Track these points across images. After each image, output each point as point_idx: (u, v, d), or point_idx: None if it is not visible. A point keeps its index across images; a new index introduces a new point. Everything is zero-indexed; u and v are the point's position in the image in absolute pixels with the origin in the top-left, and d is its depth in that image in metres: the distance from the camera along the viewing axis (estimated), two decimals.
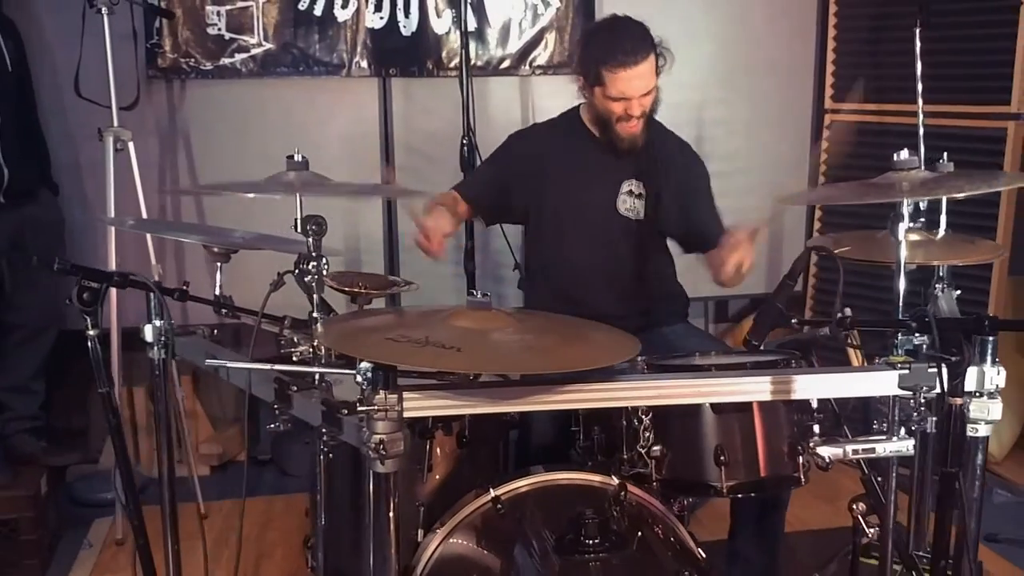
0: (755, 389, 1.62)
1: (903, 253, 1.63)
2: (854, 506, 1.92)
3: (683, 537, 1.89)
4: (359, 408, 1.50)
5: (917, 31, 3.30)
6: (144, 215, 3.16)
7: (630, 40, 2.45)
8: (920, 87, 3.31)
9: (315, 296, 1.78)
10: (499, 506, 1.82)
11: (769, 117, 3.99)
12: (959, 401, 1.38)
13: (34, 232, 3.13)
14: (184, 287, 1.89)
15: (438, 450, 2.03)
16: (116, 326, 3.06)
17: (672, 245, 2.79)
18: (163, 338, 2.03)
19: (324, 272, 1.78)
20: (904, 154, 1.66)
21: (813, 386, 1.65)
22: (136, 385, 3.67)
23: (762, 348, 1.71)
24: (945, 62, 3.44)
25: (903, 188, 1.63)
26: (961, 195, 1.62)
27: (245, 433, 1.98)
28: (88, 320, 1.73)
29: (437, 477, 2.03)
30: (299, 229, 1.76)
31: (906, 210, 1.63)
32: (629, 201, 2.63)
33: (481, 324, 1.60)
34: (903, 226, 1.64)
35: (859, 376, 1.65)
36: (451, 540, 1.85)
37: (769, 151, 3.99)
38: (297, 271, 1.79)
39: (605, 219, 2.63)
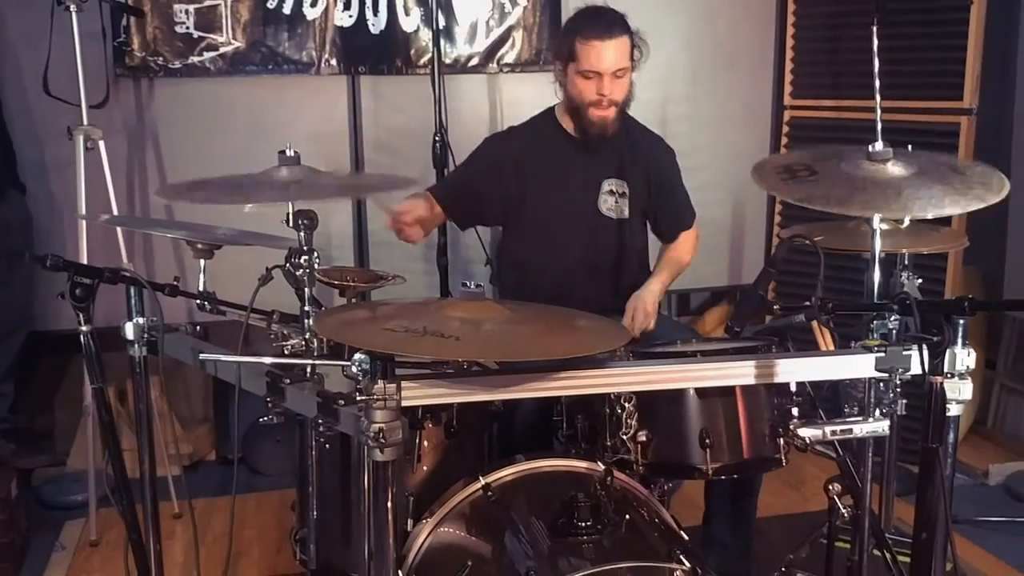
0: (740, 373, 1.69)
1: (878, 243, 1.70)
2: (830, 487, 1.98)
3: (667, 520, 1.94)
4: (358, 398, 1.53)
5: (874, 29, 3.40)
6: (116, 213, 3.14)
7: (606, 17, 2.52)
8: (877, 84, 3.41)
9: (306, 290, 1.80)
10: (490, 493, 1.86)
11: (731, 113, 4.08)
12: (939, 380, 1.45)
13: (3, 232, 3.09)
14: (175, 282, 1.90)
15: (427, 441, 2.06)
16: (129, 326, 3.02)
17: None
18: (145, 336, 2.04)
19: (316, 266, 1.80)
20: (879, 145, 1.72)
21: (795, 370, 1.72)
22: (107, 385, 3.63)
23: (740, 333, 1.77)
24: (901, 59, 3.55)
25: (869, 200, 1.69)
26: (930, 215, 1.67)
27: (235, 428, 1.99)
28: (81, 316, 1.73)
29: (425, 468, 2.06)
30: (291, 224, 1.78)
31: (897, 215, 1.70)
32: (611, 200, 2.67)
33: (475, 314, 1.63)
34: (878, 217, 1.71)
35: (838, 359, 1.72)
36: (441, 529, 1.89)
37: (731, 146, 4.08)
38: (288, 265, 1.81)
39: (587, 219, 2.66)
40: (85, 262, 3.00)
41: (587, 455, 2.02)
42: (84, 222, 2.98)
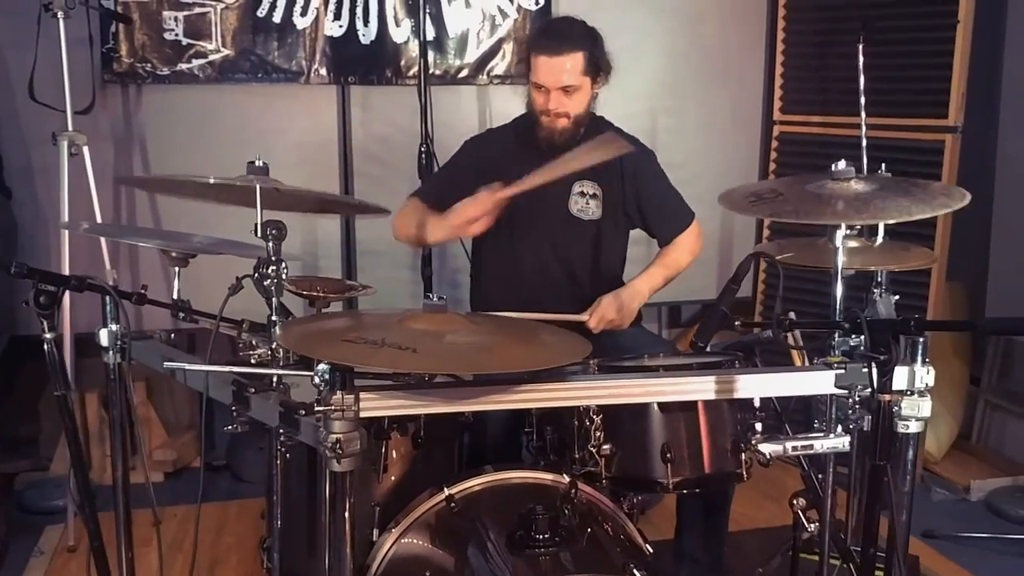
0: (700, 388, 1.69)
1: (840, 260, 1.71)
2: (794, 501, 1.99)
3: (631, 533, 1.95)
4: (316, 408, 1.54)
5: (860, 46, 3.42)
6: (99, 219, 3.15)
7: (560, 32, 2.55)
8: (863, 100, 3.43)
9: (274, 300, 1.81)
10: (453, 504, 1.86)
11: (720, 127, 4.09)
12: (887, 398, 1.45)
13: None
14: (142, 291, 1.91)
15: (393, 451, 2.07)
16: (69, 331, 3.05)
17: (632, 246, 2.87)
18: (119, 343, 2.05)
19: (284, 276, 1.81)
20: (842, 164, 1.74)
21: (754, 385, 1.72)
22: (88, 391, 3.65)
23: (708, 350, 1.78)
24: (887, 76, 3.57)
25: (838, 209, 1.71)
26: (892, 221, 1.69)
27: (202, 437, 2.00)
28: (44, 324, 1.74)
29: (392, 478, 2.07)
30: (259, 234, 1.79)
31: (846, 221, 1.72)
32: (581, 202, 2.68)
33: (436, 326, 1.64)
34: (840, 234, 1.72)
35: (798, 376, 1.73)
36: (405, 540, 1.90)
37: (720, 160, 4.09)
38: (256, 275, 1.82)
39: (556, 220, 2.68)
40: (67, 268, 3.03)
41: (555, 467, 2.03)
42: (65, 231, 3.00)
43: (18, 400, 3.71)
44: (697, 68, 4.02)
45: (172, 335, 2.24)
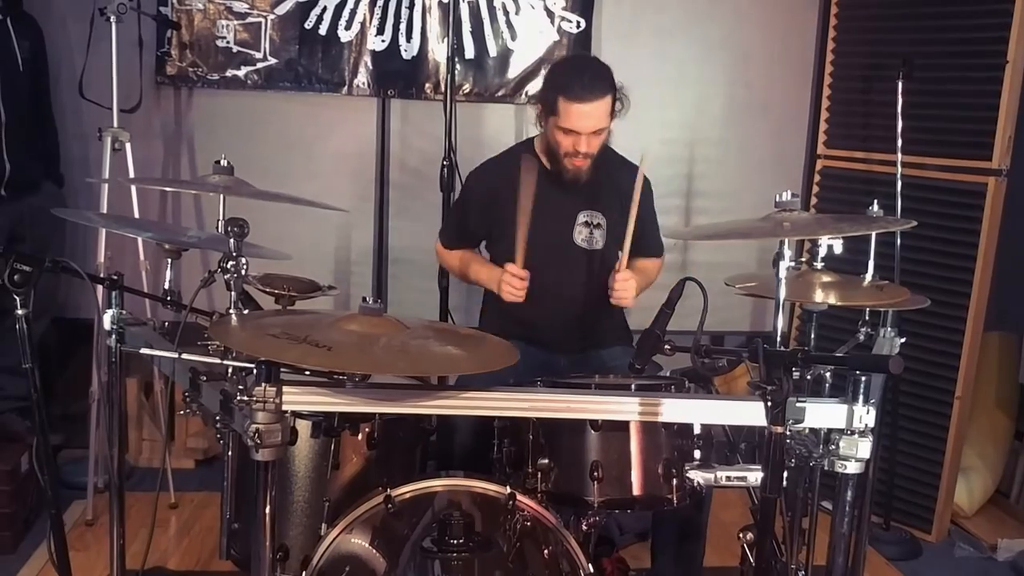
0: (625, 409, 1.70)
1: (783, 292, 1.70)
2: (741, 535, 1.96)
3: (570, 550, 1.94)
4: (239, 398, 1.61)
5: (899, 83, 3.35)
6: (136, 214, 3.33)
7: (590, 76, 2.54)
8: (900, 139, 3.36)
9: (233, 293, 1.89)
10: (390, 506, 1.90)
11: (761, 159, 4.04)
12: (779, 429, 1.43)
13: (32, 223, 3.31)
14: (115, 277, 2.02)
15: (349, 450, 2.12)
16: (99, 317, 3.22)
17: None
18: (114, 327, 2.17)
19: (243, 272, 1.89)
20: (787, 195, 1.73)
21: (681, 410, 1.72)
22: (129, 376, 3.83)
23: (642, 371, 1.78)
24: (930, 115, 3.47)
25: (786, 228, 1.70)
26: (839, 238, 1.67)
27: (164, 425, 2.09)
28: (18, 300, 1.86)
29: (345, 475, 2.12)
30: (221, 230, 1.88)
31: (787, 250, 1.70)
32: (585, 232, 2.71)
33: (370, 329, 1.69)
34: (784, 264, 1.71)
35: (728, 404, 1.72)
36: (345, 536, 1.94)
37: (759, 192, 4.00)
38: (219, 269, 1.90)
39: (561, 250, 2.71)
40: (102, 258, 3.21)
41: (508, 480, 2.05)
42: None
43: (67, 380, 3.91)
44: (740, 100, 3.99)
45: (165, 323, 2.36)
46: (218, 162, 1.93)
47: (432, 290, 3.87)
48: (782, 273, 1.70)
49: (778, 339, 1.72)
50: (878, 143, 3.71)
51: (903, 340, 2.51)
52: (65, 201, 3.53)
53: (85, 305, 3.71)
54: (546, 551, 1.92)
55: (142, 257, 3.35)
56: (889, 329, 2.51)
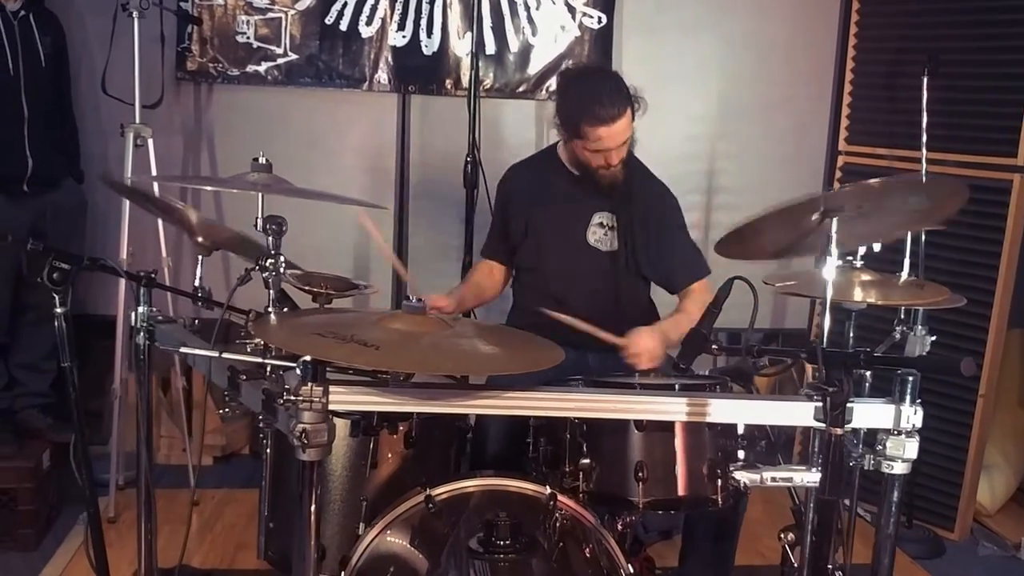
0: (671, 410, 1.68)
1: (829, 291, 1.68)
2: (782, 535, 1.95)
3: (611, 550, 1.94)
4: (286, 398, 1.60)
5: (925, 80, 3.33)
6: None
7: (608, 95, 2.48)
8: (925, 136, 3.34)
9: (271, 292, 1.88)
10: (431, 505, 1.89)
11: (782, 154, 4.03)
12: (839, 431, 1.42)
13: (55, 218, 3.29)
14: (152, 274, 2.01)
15: (387, 449, 2.11)
16: (122, 314, 3.21)
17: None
18: (143, 324, 2.16)
19: (281, 270, 1.88)
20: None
21: (729, 411, 1.70)
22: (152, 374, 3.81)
23: (688, 371, 1.77)
24: (955, 112, 3.45)
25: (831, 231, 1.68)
26: (877, 245, 1.65)
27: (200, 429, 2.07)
28: (57, 299, 1.84)
29: (383, 474, 2.11)
30: (259, 228, 1.87)
31: (835, 248, 1.68)
32: (599, 233, 2.68)
33: (414, 327, 1.68)
34: (831, 262, 1.69)
35: (777, 405, 1.70)
36: (384, 536, 1.93)
37: (780, 188, 4.02)
38: (257, 268, 1.89)
39: (575, 250, 2.69)
40: (125, 253, 3.19)
41: (545, 479, 2.03)
42: (127, 215, 3.16)
43: (87, 376, 3.89)
44: (761, 95, 3.97)
45: (196, 321, 2.34)
46: (256, 159, 1.91)
47: (451, 287, 3.86)
48: (830, 273, 1.68)
49: (825, 339, 1.70)
50: (900, 139, 3.69)
51: (933, 338, 2.51)
52: (85, 197, 3.51)
53: (103, 301, 3.69)
54: (587, 551, 1.91)
55: (164, 253, 3.34)
56: (920, 327, 2.51)
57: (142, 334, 2.19)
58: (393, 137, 3.82)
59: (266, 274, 1.87)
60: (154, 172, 3.26)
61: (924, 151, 3.35)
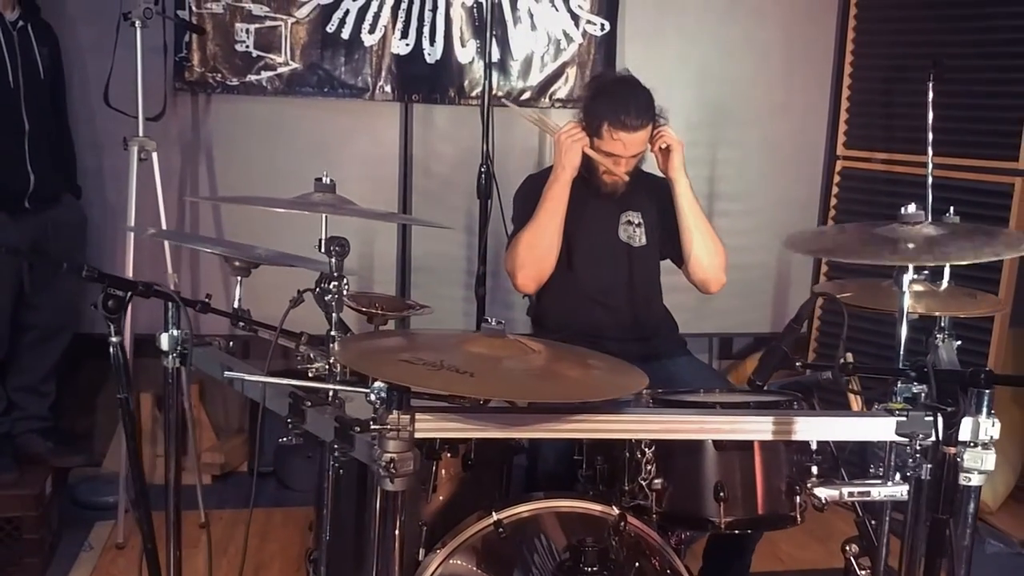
0: (757, 428, 1.67)
1: (906, 303, 1.68)
2: (847, 547, 1.95)
3: (679, 569, 1.93)
4: (372, 426, 1.55)
5: (930, 84, 3.37)
6: (164, 225, 3.22)
7: (636, 106, 2.61)
8: (931, 140, 3.38)
9: (334, 315, 1.82)
10: (501, 529, 1.86)
11: (782, 159, 4.05)
12: (953, 450, 1.42)
13: (56, 235, 3.18)
14: (206, 299, 1.94)
15: (444, 471, 2.07)
16: (129, 332, 3.11)
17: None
18: (179, 347, 2.08)
19: (344, 292, 1.83)
20: (911, 208, 1.71)
21: (814, 428, 1.70)
22: (143, 391, 3.71)
23: (765, 388, 1.76)
24: (956, 116, 3.51)
25: (908, 250, 1.68)
26: (964, 263, 1.66)
27: (257, 444, 2.02)
28: (112, 327, 1.77)
29: (441, 498, 2.07)
30: (323, 249, 1.81)
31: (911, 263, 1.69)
32: (629, 229, 2.80)
33: (494, 351, 1.64)
34: (907, 277, 1.69)
35: (858, 421, 1.70)
36: (451, 561, 1.89)
37: (780, 193, 4.06)
38: (318, 289, 1.84)
39: (607, 244, 2.79)
40: (131, 270, 3.09)
41: (604, 498, 2.01)
42: (132, 237, 3.06)
43: (77, 396, 3.78)
44: (760, 100, 3.99)
45: (230, 343, 2.27)
46: (319, 179, 1.86)
47: (455, 298, 3.84)
48: (905, 285, 1.68)
49: (901, 352, 1.70)
50: (900, 144, 3.75)
51: (959, 344, 2.53)
52: (85, 213, 3.40)
53: (88, 320, 3.54)
54: (657, 571, 1.89)
55: (170, 270, 3.24)
56: (947, 334, 2.53)
57: (171, 357, 2.11)
58: (396, 147, 3.76)
59: (328, 297, 1.82)
60: (159, 187, 3.16)
61: (930, 155, 3.39)
